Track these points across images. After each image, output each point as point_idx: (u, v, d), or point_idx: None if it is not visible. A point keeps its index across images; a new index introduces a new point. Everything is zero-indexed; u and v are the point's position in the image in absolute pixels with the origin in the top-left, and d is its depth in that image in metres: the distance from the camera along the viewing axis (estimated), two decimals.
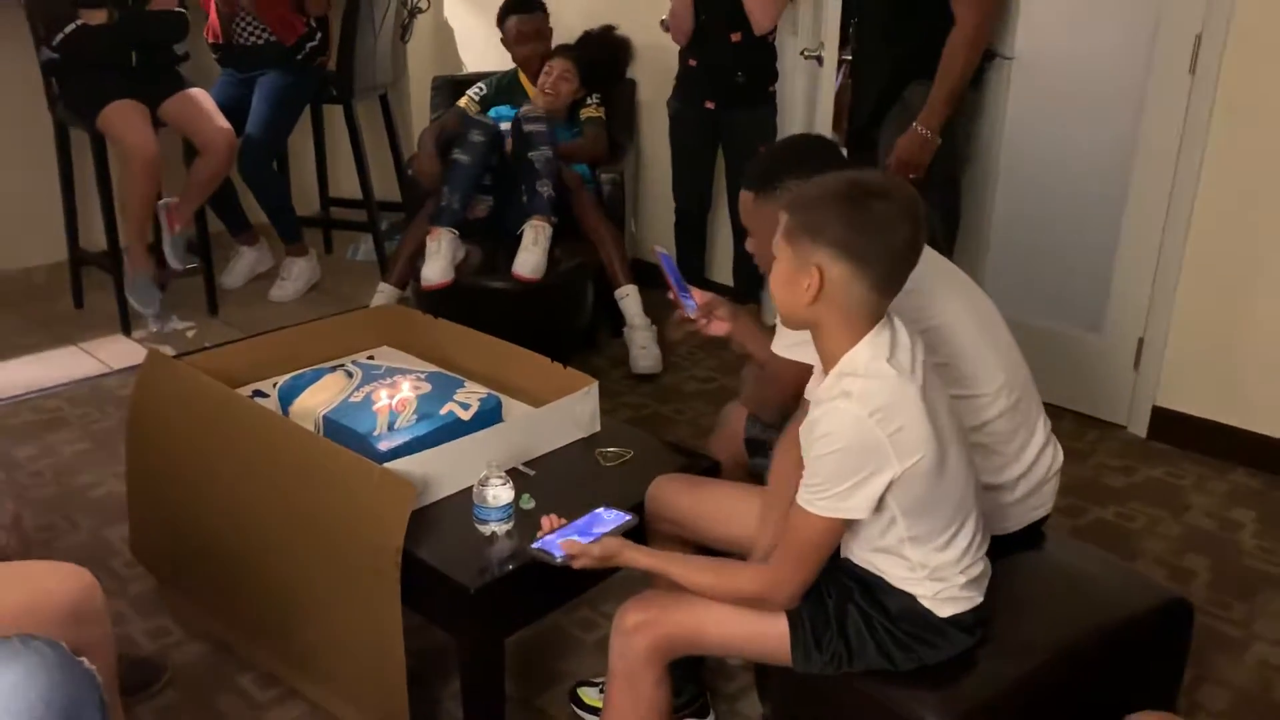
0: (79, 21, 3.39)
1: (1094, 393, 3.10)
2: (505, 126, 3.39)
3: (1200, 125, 2.74)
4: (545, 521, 1.69)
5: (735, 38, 3.28)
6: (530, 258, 3.13)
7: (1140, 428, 3.04)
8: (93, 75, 3.50)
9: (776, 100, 3.44)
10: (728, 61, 3.33)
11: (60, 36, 3.40)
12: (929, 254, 1.93)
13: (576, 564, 1.61)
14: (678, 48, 3.46)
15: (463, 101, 3.67)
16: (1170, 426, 2.99)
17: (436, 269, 3.16)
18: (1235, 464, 2.88)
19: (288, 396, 2.21)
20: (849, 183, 1.48)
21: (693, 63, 3.41)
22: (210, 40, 3.93)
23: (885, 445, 1.43)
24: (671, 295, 2.01)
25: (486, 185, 3.39)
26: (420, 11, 4.55)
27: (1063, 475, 1.96)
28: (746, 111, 3.40)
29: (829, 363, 1.52)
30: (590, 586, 1.91)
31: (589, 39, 3.82)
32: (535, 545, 1.65)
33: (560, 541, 1.62)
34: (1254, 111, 2.67)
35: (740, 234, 3.49)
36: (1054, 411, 1.97)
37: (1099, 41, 2.99)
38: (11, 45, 3.69)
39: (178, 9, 3.59)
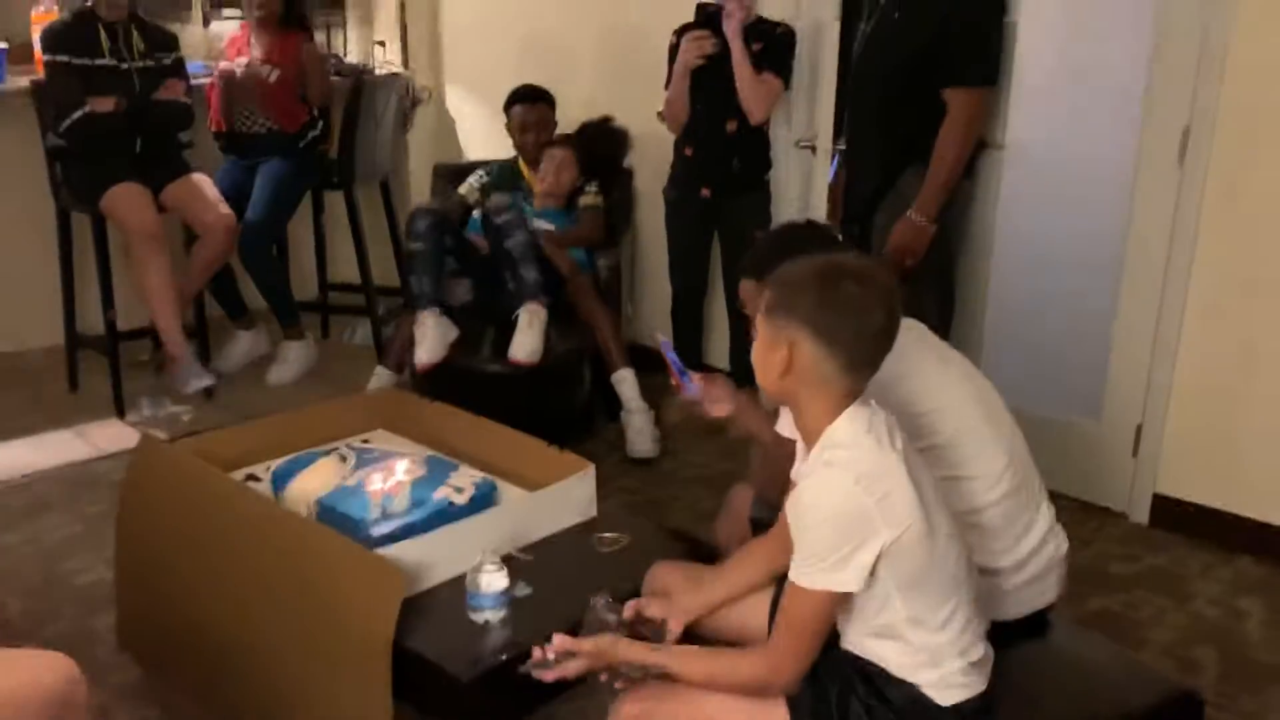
0: (87, 109, 3.45)
1: (1093, 479, 3.08)
2: (468, 203, 3.46)
3: (1191, 214, 2.77)
4: (536, 652, 1.61)
5: (731, 127, 3.34)
6: (526, 341, 3.14)
7: (1142, 515, 3.02)
8: (97, 160, 3.55)
9: (770, 187, 3.49)
10: (723, 150, 3.39)
11: (68, 123, 3.46)
12: (927, 336, 1.94)
13: (570, 670, 1.57)
14: (674, 137, 3.52)
15: (463, 188, 3.73)
16: (1172, 513, 2.96)
17: (426, 349, 3.18)
18: (1239, 551, 2.85)
19: (281, 481, 2.19)
20: (826, 263, 1.52)
21: (689, 151, 3.47)
22: (213, 128, 3.99)
23: (872, 511, 1.43)
24: (674, 381, 2.02)
25: (457, 269, 3.42)
26: (422, 102, 4.64)
27: (1065, 563, 1.93)
28: (742, 198, 3.44)
29: (810, 439, 1.53)
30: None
31: (587, 129, 3.88)
32: (528, 665, 1.60)
33: (553, 644, 1.59)
34: (1244, 201, 2.71)
35: (737, 319, 3.53)
36: (1054, 498, 1.95)
37: (1088, 132, 3.05)
38: (18, 132, 3.75)
39: (183, 98, 3.65)
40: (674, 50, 3.39)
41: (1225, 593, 2.70)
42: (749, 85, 3.25)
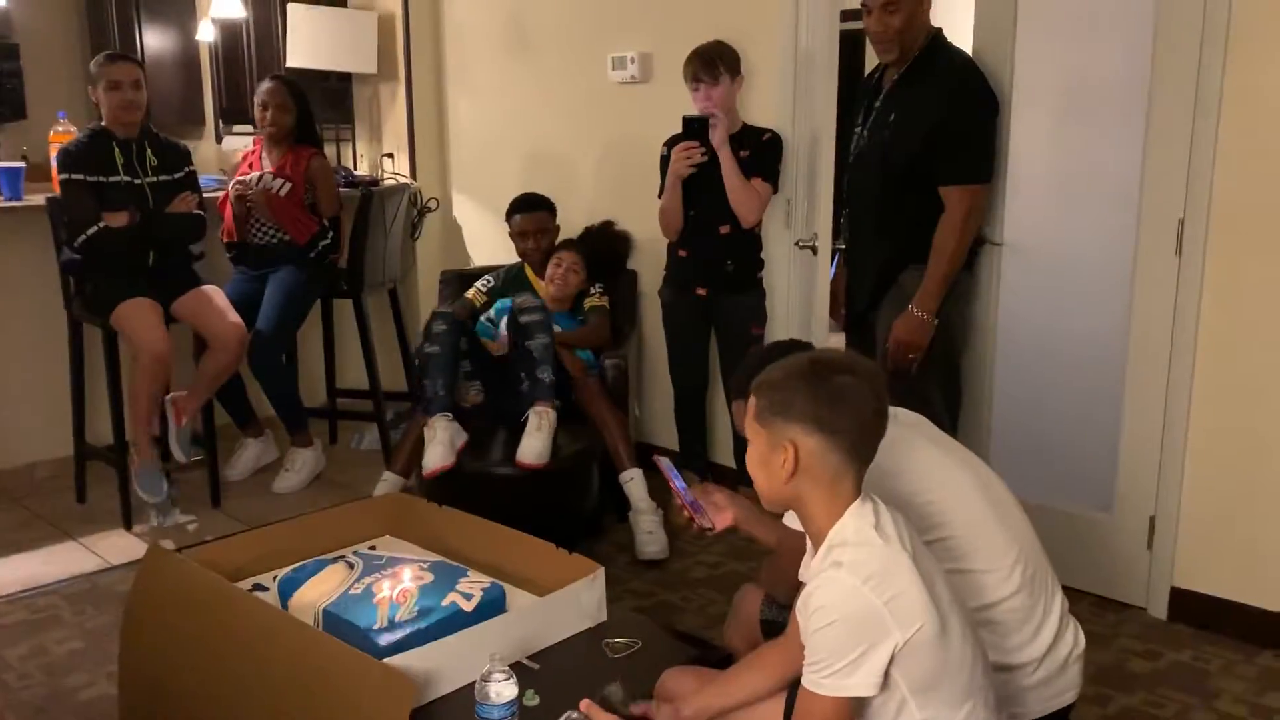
0: (101, 224, 3.52)
1: (1109, 573, 3.04)
2: (475, 307, 3.53)
3: (1191, 304, 2.79)
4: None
5: (724, 230, 3.40)
6: (535, 444, 3.14)
7: (1160, 609, 2.97)
8: (110, 274, 3.61)
9: (764, 285, 3.53)
10: (718, 252, 3.44)
11: (83, 238, 3.52)
12: (924, 427, 1.95)
13: None
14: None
15: (470, 293, 3.78)
16: (1191, 607, 2.91)
17: (436, 454, 3.18)
18: (1261, 646, 2.79)
19: (288, 589, 2.17)
20: (810, 361, 1.55)
21: (683, 254, 3.52)
22: (225, 239, 4.07)
23: (882, 613, 1.41)
24: (678, 501, 2.03)
25: (470, 371, 3.45)
26: (430, 210, 4.73)
27: (1085, 660, 1.90)
28: (737, 298, 3.49)
29: (817, 539, 1.53)
30: None
31: (590, 233, 3.96)
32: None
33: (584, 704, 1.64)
34: (1242, 289, 2.73)
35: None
36: (1070, 594, 1.93)
37: (1086, 226, 3.09)
38: (33, 247, 3.83)
39: (196, 211, 3.73)
40: (664, 161, 3.47)
41: (1250, 690, 2.64)
42: (739, 191, 3.32)
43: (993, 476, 1.95)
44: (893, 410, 1.60)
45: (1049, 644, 1.84)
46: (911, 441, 1.86)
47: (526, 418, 3.21)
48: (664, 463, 2.10)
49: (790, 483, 1.51)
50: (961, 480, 1.88)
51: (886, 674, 1.43)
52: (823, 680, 1.44)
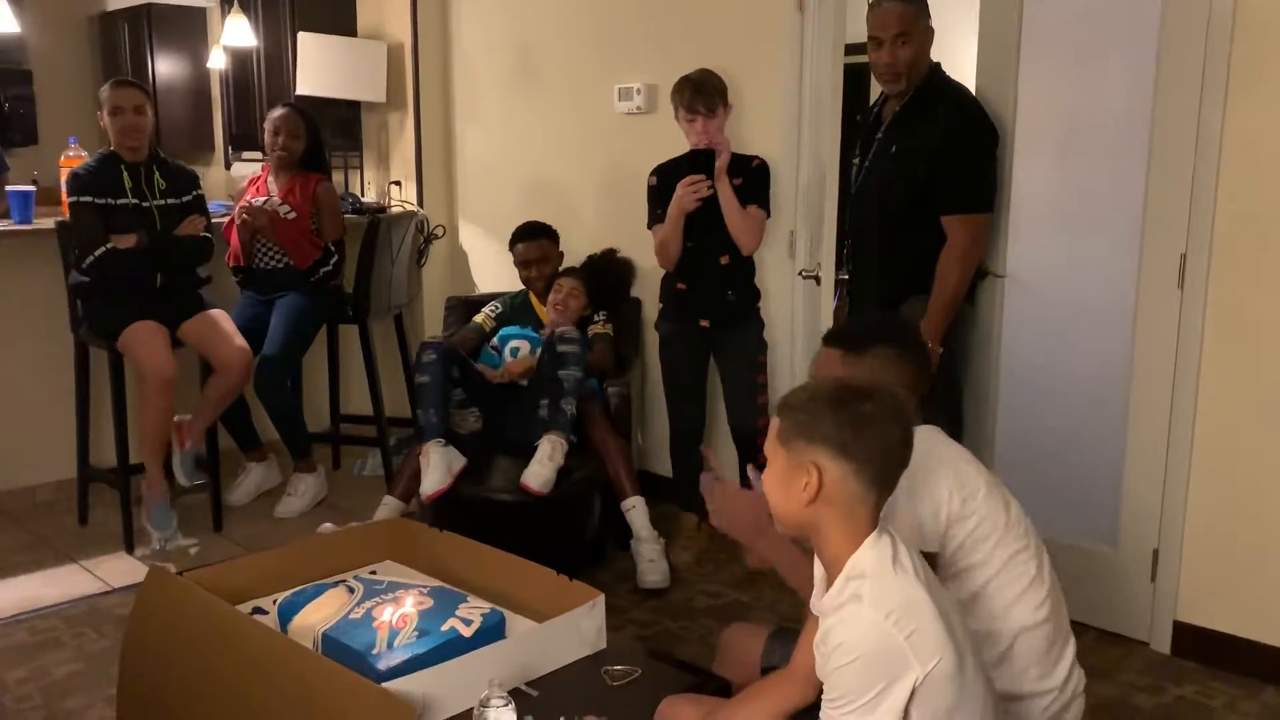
0: (109, 245, 3.54)
1: (1113, 607, 3.03)
2: (485, 331, 3.56)
3: (1194, 337, 2.80)
4: None
5: (724, 260, 3.39)
6: (542, 471, 3.15)
7: (1163, 644, 2.95)
8: (117, 297, 3.63)
9: (762, 316, 3.53)
10: (718, 283, 3.42)
11: (90, 260, 3.55)
12: (965, 454, 1.94)
13: None
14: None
15: (480, 317, 3.81)
16: (1194, 642, 2.89)
17: (433, 479, 3.20)
18: (1265, 683, 2.77)
19: (287, 613, 2.17)
20: (836, 385, 1.54)
21: (682, 286, 3.48)
22: (231, 263, 4.09)
23: (904, 648, 1.41)
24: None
25: (465, 399, 3.47)
26: (437, 237, 4.76)
27: (1088, 694, 1.89)
28: (738, 329, 3.47)
29: (832, 568, 1.51)
30: None
31: (593, 261, 3.97)
32: None
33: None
34: (1245, 322, 2.73)
35: (744, 449, 3.47)
36: (1073, 627, 1.92)
37: (1088, 259, 3.10)
38: (41, 271, 3.85)
39: (204, 234, 3.76)
40: (653, 191, 3.46)
41: None
42: (738, 219, 3.31)
43: (1012, 499, 1.95)
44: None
45: (1065, 676, 1.84)
46: (938, 445, 1.87)
47: (538, 444, 3.21)
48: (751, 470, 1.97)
49: (810, 506, 1.49)
50: (988, 491, 1.87)
51: (906, 711, 1.42)
52: (843, 718, 1.43)
